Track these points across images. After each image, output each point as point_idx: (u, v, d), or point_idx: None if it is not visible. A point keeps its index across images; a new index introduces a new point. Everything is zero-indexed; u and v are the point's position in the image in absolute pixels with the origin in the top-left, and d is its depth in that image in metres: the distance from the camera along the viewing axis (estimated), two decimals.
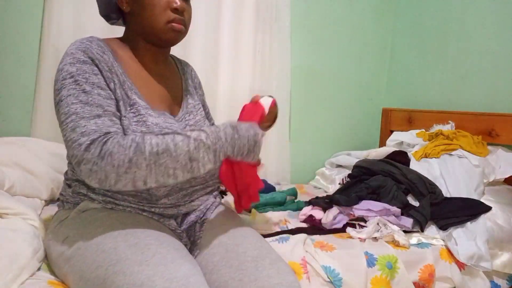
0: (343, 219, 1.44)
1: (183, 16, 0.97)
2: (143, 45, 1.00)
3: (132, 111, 0.89)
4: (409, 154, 1.85)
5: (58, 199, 1.04)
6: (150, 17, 0.94)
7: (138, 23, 0.97)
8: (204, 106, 1.21)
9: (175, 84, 1.08)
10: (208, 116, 1.21)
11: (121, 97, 0.89)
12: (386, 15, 2.51)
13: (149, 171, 0.78)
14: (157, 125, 0.89)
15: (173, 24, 0.95)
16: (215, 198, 1.06)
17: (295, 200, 1.73)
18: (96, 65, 0.87)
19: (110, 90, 0.88)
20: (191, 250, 0.99)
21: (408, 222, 1.43)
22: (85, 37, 0.93)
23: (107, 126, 0.81)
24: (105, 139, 0.79)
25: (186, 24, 0.99)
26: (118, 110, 0.88)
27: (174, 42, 1.01)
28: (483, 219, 1.44)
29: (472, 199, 1.52)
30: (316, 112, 2.38)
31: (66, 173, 1.01)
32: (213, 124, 1.21)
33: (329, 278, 1.13)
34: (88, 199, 0.94)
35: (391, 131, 2.32)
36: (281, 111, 2.19)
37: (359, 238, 1.32)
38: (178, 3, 0.94)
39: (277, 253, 0.93)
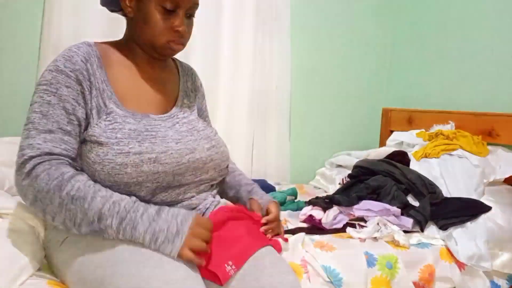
0: (343, 219, 1.44)
1: (184, 37, 0.97)
2: (140, 52, 1.01)
3: (108, 119, 0.89)
4: (409, 154, 1.85)
5: None
6: (150, 33, 0.94)
7: (138, 33, 0.97)
8: (202, 110, 1.19)
9: (171, 86, 1.08)
10: (205, 120, 1.20)
11: (97, 106, 0.90)
12: (386, 15, 2.51)
13: (59, 210, 0.79)
14: (135, 131, 0.88)
15: (172, 44, 0.96)
16: (214, 197, 1.06)
17: (295, 200, 1.73)
18: (75, 76, 0.87)
19: (84, 101, 0.88)
20: None
21: (408, 222, 1.42)
22: (78, 43, 0.94)
23: (54, 144, 0.83)
24: (42, 160, 0.81)
25: (185, 43, 1.00)
26: (88, 119, 0.89)
27: (170, 57, 1.05)
28: (483, 219, 1.44)
29: (472, 199, 1.51)
30: (316, 112, 2.38)
31: None
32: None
33: (329, 278, 1.13)
34: None
35: (391, 131, 2.32)
36: (281, 111, 2.20)
37: (359, 238, 1.32)
38: (181, 28, 0.94)
39: (278, 252, 0.94)
